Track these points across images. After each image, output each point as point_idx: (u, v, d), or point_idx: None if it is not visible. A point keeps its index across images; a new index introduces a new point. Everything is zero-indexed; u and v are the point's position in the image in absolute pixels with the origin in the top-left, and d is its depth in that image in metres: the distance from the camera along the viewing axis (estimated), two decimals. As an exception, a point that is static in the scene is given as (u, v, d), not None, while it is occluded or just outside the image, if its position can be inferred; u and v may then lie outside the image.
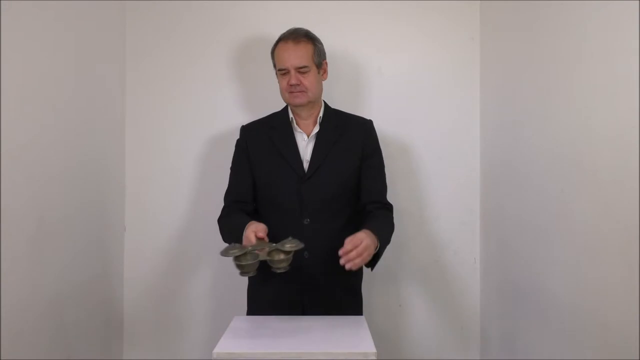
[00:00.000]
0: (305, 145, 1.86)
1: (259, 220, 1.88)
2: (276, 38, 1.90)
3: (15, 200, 1.54)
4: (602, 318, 1.41)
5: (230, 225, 1.79)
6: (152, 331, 2.29)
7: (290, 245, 1.54)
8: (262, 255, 1.54)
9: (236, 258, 1.51)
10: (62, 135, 1.80)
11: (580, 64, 1.53)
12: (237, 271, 1.56)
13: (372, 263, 1.73)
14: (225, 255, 1.51)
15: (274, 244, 1.55)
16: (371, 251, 1.64)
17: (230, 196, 1.90)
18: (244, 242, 1.59)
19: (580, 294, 1.52)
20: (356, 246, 1.58)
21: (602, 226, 1.41)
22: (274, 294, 1.81)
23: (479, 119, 2.30)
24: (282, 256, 1.54)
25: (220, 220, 1.88)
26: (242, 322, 1.67)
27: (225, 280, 2.26)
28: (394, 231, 1.88)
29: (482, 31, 2.29)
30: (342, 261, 1.57)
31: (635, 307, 1.26)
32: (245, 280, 1.93)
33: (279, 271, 1.55)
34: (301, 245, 1.55)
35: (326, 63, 1.91)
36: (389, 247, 2.18)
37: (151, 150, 2.30)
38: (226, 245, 1.58)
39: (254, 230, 1.60)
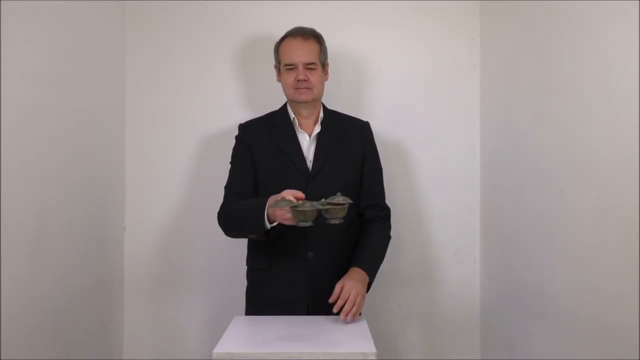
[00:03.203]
0: (308, 146, 1.86)
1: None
2: (276, 38, 1.90)
3: (15, 200, 1.54)
4: (602, 318, 1.41)
5: (244, 207, 1.74)
6: (152, 331, 2.29)
7: (341, 198, 1.54)
8: (319, 205, 1.53)
9: (294, 207, 1.52)
10: (62, 135, 1.80)
11: (580, 64, 1.53)
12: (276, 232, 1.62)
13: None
14: (279, 207, 1.53)
15: (323, 200, 1.55)
16: (363, 293, 1.70)
17: (232, 190, 1.84)
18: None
19: (580, 294, 1.52)
20: (345, 299, 1.64)
21: (602, 226, 1.41)
22: (278, 294, 1.81)
23: (479, 119, 2.30)
24: (338, 206, 1.54)
25: (224, 211, 1.82)
26: (242, 322, 1.67)
27: (225, 281, 2.25)
28: (388, 245, 1.91)
29: (482, 31, 2.29)
30: (341, 316, 1.62)
31: (635, 307, 1.26)
32: (244, 280, 1.93)
33: (333, 222, 1.55)
34: (350, 201, 1.55)
35: (328, 65, 1.92)
36: (389, 246, 2.18)
37: (151, 150, 2.29)
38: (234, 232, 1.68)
39: (293, 193, 1.58)
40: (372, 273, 1.79)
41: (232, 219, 1.79)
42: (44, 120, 1.70)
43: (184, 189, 2.29)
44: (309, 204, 1.52)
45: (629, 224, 1.28)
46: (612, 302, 1.37)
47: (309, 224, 1.54)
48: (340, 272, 1.80)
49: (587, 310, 1.48)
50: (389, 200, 1.96)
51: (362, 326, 1.59)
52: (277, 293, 1.81)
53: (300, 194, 1.58)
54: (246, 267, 1.93)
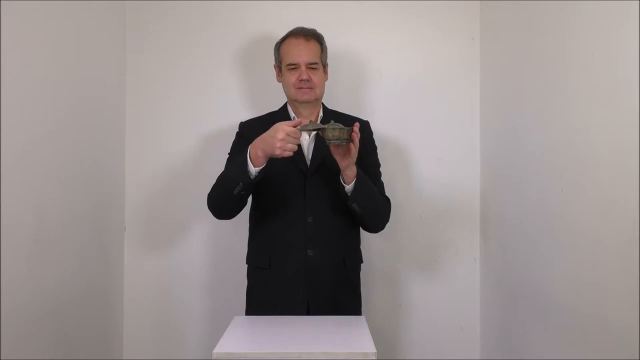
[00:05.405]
0: (308, 145, 1.86)
1: (262, 221, 1.88)
2: (276, 37, 1.91)
3: (15, 200, 1.54)
4: (602, 318, 1.41)
5: (229, 169, 1.75)
6: (152, 331, 2.29)
7: (337, 125, 1.61)
8: (338, 126, 1.59)
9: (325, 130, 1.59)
10: (62, 135, 1.80)
11: (580, 64, 1.52)
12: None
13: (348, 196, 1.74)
14: (309, 129, 1.61)
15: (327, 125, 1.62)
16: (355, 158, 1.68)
17: None
18: (280, 135, 1.57)
19: (580, 294, 1.52)
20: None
21: (602, 226, 1.41)
22: (278, 293, 1.80)
23: (479, 119, 2.30)
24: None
25: (211, 190, 1.81)
26: (242, 322, 1.67)
27: (225, 280, 2.25)
28: (379, 203, 1.83)
29: (482, 31, 2.29)
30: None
31: (635, 307, 1.26)
32: (244, 280, 1.93)
33: (342, 142, 1.62)
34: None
35: (328, 65, 1.92)
36: (389, 246, 2.18)
37: (151, 150, 2.29)
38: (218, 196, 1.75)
39: (287, 123, 1.61)
40: (362, 182, 1.72)
41: (217, 185, 1.78)
42: (44, 120, 1.70)
43: (184, 188, 2.29)
44: (326, 125, 1.60)
45: (629, 223, 1.28)
46: (612, 301, 1.37)
47: (343, 142, 1.60)
48: (340, 271, 1.79)
49: (587, 310, 1.48)
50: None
51: (362, 326, 1.59)
52: (277, 292, 1.81)
53: (297, 121, 1.65)
54: (246, 266, 1.93)
